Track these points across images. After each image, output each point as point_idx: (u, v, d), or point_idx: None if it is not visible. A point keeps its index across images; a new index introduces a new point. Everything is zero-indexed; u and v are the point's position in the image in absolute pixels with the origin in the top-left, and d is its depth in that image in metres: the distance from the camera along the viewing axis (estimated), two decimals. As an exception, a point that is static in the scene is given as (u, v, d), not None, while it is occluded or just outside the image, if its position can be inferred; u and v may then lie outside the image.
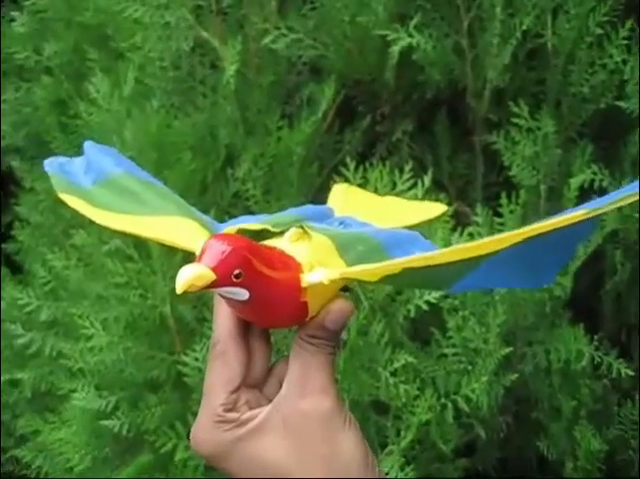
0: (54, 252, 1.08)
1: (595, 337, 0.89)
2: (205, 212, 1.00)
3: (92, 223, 1.09)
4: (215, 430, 0.45)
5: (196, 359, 0.94)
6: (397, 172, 0.91)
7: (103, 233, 1.05)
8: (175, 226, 0.49)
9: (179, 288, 0.41)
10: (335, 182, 0.87)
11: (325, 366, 0.45)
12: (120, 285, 0.99)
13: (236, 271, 0.42)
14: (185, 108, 1.00)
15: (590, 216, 0.43)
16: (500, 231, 0.90)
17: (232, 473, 0.46)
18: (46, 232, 1.20)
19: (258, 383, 0.47)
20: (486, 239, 0.42)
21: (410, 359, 0.84)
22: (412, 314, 0.86)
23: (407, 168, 0.91)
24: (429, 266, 0.42)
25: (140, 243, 1.01)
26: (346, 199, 0.56)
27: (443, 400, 0.82)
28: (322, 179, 1.00)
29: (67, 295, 1.10)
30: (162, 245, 0.98)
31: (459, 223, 0.94)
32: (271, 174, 0.98)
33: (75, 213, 1.13)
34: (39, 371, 1.20)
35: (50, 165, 0.54)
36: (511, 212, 0.92)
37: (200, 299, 1.00)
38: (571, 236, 0.46)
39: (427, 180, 0.91)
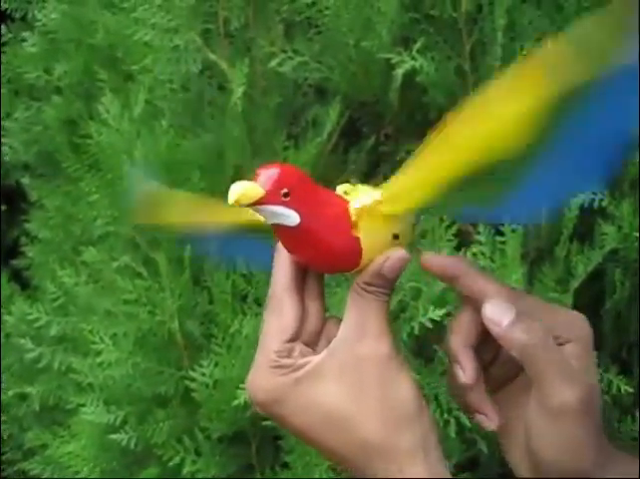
0: (64, 269, 1.11)
1: (595, 354, 0.91)
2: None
3: (101, 240, 1.11)
4: (271, 375, 0.46)
5: (204, 375, 0.96)
6: (401, 191, 0.93)
7: (113, 250, 1.07)
8: None
9: (230, 200, 0.43)
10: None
11: (381, 312, 0.46)
12: (129, 302, 1.01)
13: (285, 190, 0.43)
14: (194, 128, 1.02)
15: None
16: (502, 250, 0.92)
17: (287, 419, 0.46)
18: (56, 248, 1.22)
19: (311, 342, 0.48)
20: None
21: (413, 376, 0.85)
22: (416, 332, 0.88)
23: (410, 188, 0.93)
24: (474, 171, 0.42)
25: (149, 261, 1.03)
26: None
27: (446, 416, 0.84)
28: (327, 198, 1.02)
29: (76, 311, 1.12)
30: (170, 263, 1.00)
31: (462, 242, 0.96)
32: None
33: (85, 229, 1.15)
34: (48, 386, 1.22)
35: None
36: (513, 231, 0.94)
37: (207, 316, 1.02)
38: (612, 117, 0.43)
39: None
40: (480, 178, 0.43)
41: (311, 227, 0.44)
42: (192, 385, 0.97)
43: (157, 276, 1.00)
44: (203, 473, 0.99)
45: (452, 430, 0.83)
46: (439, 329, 0.91)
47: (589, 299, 0.98)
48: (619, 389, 0.88)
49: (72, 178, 1.14)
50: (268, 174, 0.44)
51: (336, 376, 0.45)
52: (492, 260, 0.89)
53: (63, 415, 1.18)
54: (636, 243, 0.95)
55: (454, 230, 0.94)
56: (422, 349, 0.91)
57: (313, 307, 0.48)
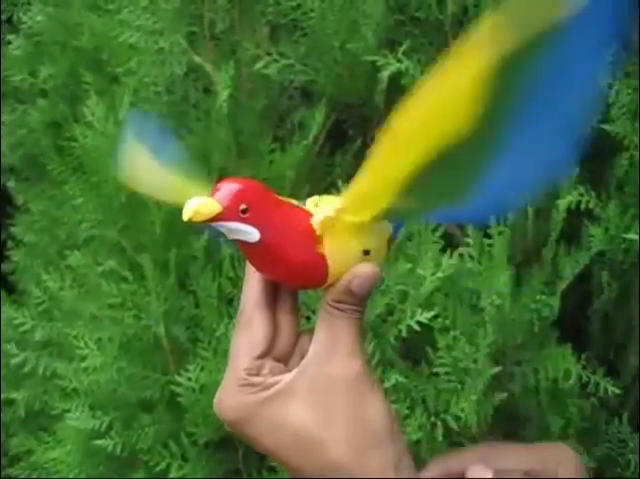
0: (49, 273, 1.10)
1: (583, 356, 0.91)
2: (198, 233, 1.02)
3: (86, 244, 1.10)
4: (239, 394, 0.45)
5: (190, 379, 0.96)
6: (387, 194, 0.93)
7: (98, 253, 1.06)
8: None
9: (185, 216, 0.42)
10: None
11: (352, 331, 0.45)
12: (114, 306, 1.00)
13: (243, 206, 0.42)
14: (179, 131, 1.02)
15: None
16: (489, 252, 0.92)
17: (255, 438, 0.46)
18: (41, 252, 1.21)
19: (283, 357, 0.47)
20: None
21: (400, 379, 0.85)
22: (403, 334, 0.88)
23: (397, 190, 0.92)
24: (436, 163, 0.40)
25: (134, 265, 1.02)
26: None
27: (433, 419, 0.84)
28: (314, 201, 1.01)
29: (61, 316, 1.11)
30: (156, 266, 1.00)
31: (448, 244, 0.95)
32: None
33: (70, 233, 1.14)
34: (33, 391, 1.21)
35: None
36: (500, 233, 0.94)
37: (193, 320, 1.01)
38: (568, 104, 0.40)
39: (417, 202, 0.92)
40: (440, 171, 0.41)
41: (272, 243, 0.43)
42: (178, 390, 0.96)
43: (142, 280, 0.99)
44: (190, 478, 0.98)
45: (439, 434, 0.83)
46: (426, 332, 0.90)
47: (577, 301, 0.98)
48: (606, 391, 0.88)
49: (57, 181, 1.13)
50: (227, 189, 0.43)
51: (305, 396, 0.44)
52: (480, 263, 0.89)
53: (48, 421, 1.17)
54: (623, 245, 0.95)
55: (440, 232, 0.93)
56: (409, 352, 0.91)
57: (285, 323, 0.47)
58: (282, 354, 0.47)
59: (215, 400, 0.47)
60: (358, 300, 0.45)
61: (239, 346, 0.46)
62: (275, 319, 0.47)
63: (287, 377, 0.45)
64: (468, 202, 0.43)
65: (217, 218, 0.42)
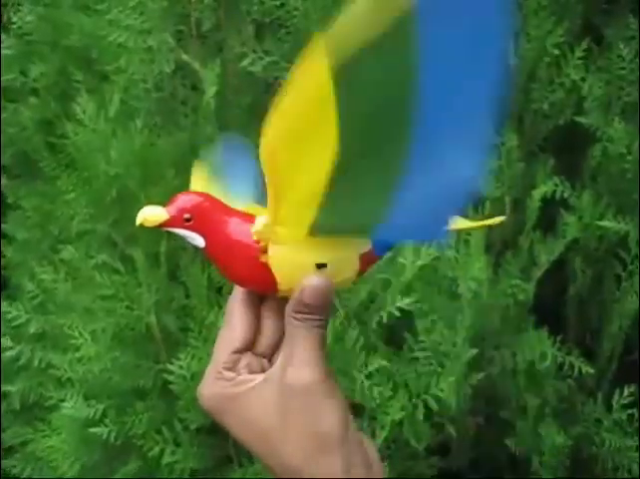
0: (42, 267, 1.12)
1: (558, 339, 0.95)
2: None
3: (79, 238, 1.12)
4: (214, 386, 0.48)
5: (181, 367, 0.98)
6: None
7: (90, 247, 1.09)
8: None
9: (137, 221, 0.47)
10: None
11: (309, 340, 0.47)
12: (106, 298, 1.03)
13: (187, 215, 0.47)
14: (168, 127, 1.05)
15: None
16: (467, 241, 0.95)
17: (230, 428, 0.49)
18: (34, 247, 1.24)
19: (267, 353, 0.50)
20: None
21: (383, 363, 0.88)
22: (385, 320, 0.91)
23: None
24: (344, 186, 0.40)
25: (125, 257, 1.05)
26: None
27: (414, 400, 0.87)
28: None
29: (55, 308, 1.14)
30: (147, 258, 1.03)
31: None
32: (251, 189, 1.03)
33: (62, 228, 1.16)
34: (28, 383, 1.23)
35: None
36: (478, 222, 0.97)
37: (184, 310, 1.04)
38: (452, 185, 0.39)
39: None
40: (345, 186, 0.41)
41: (216, 250, 0.48)
42: (170, 378, 0.99)
43: (133, 272, 1.02)
44: (182, 464, 1.01)
45: (420, 414, 0.86)
46: (408, 319, 0.94)
47: (553, 287, 1.02)
48: (581, 372, 0.92)
49: (49, 177, 1.15)
50: (177, 200, 0.48)
51: (267, 401, 0.47)
52: (457, 251, 0.92)
53: (43, 412, 1.19)
54: (597, 233, 0.99)
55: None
56: (391, 337, 0.94)
57: (269, 320, 0.49)
58: (266, 351, 0.49)
59: (198, 388, 0.50)
60: (314, 310, 0.47)
61: (220, 340, 0.49)
62: (259, 317, 0.49)
63: (257, 380, 0.48)
64: (390, 220, 0.42)
65: (164, 224, 0.47)
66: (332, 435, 0.47)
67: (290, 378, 0.47)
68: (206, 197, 0.48)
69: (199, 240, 0.48)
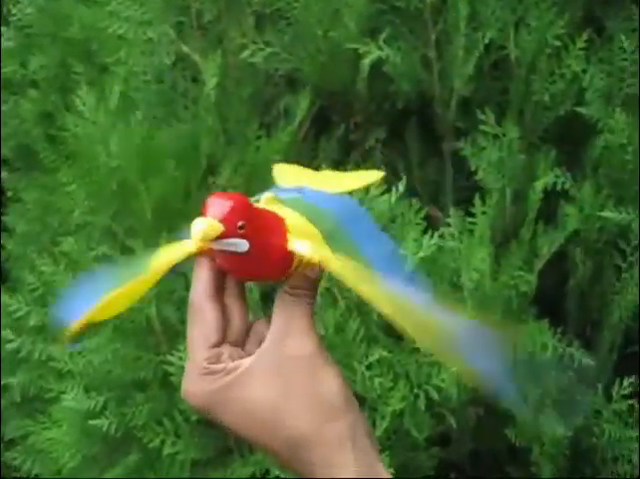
0: (43, 259, 1.12)
1: (559, 330, 0.95)
2: (188, 218, 1.05)
3: (79, 230, 1.12)
4: (203, 382, 0.48)
5: (181, 359, 0.99)
6: (370, 177, 0.96)
7: (90, 239, 1.09)
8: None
9: (197, 240, 0.45)
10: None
11: (306, 314, 0.49)
12: (107, 290, 1.03)
13: (240, 223, 0.46)
14: (168, 119, 1.05)
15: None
16: (472, 231, 0.95)
17: (223, 421, 0.49)
18: (34, 239, 1.24)
19: (239, 341, 0.50)
20: None
21: (384, 354, 0.89)
22: (386, 312, 0.91)
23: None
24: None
25: (126, 249, 1.05)
26: (290, 174, 0.59)
27: (415, 391, 0.87)
28: (299, 185, 1.05)
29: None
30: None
31: (430, 226, 0.99)
32: (251, 181, 1.03)
33: (63, 220, 1.16)
34: (28, 375, 1.23)
35: None
36: (483, 213, 0.97)
37: (184, 302, 1.04)
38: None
39: (401, 186, 0.96)
40: None
41: (258, 250, 0.47)
42: (170, 369, 0.99)
43: (134, 264, 1.02)
44: (183, 455, 1.01)
45: (421, 404, 0.87)
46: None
47: (554, 279, 1.02)
48: (581, 363, 0.92)
49: (49, 169, 1.15)
50: (223, 206, 0.46)
51: (266, 376, 0.48)
52: (460, 241, 0.92)
53: (44, 404, 1.20)
54: (596, 224, 0.99)
55: (422, 214, 0.97)
56: (392, 328, 0.94)
57: (235, 308, 0.50)
58: (237, 339, 0.50)
59: (182, 391, 0.49)
60: (311, 284, 0.49)
61: (195, 337, 0.49)
62: (224, 307, 0.50)
63: (247, 361, 0.48)
64: None
65: (219, 237, 0.45)
66: (336, 402, 0.48)
67: (291, 349, 0.48)
68: (243, 198, 0.47)
69: (244, 246, 0.46)
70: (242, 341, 0.50)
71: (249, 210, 0.47)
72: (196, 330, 0.49)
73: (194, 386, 0.49)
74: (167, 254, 0.49)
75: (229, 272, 0.50)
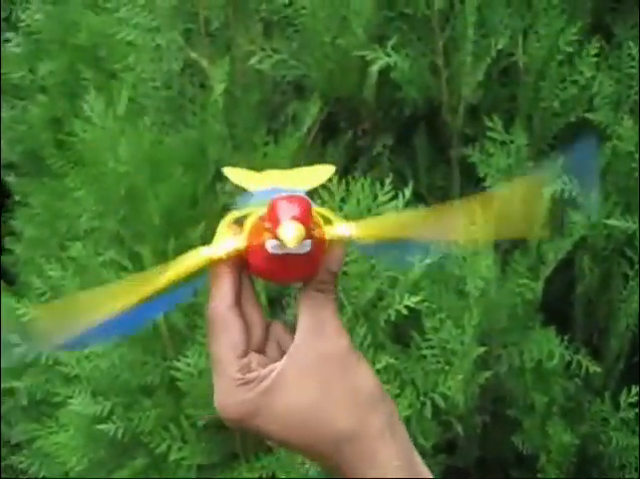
0: (50, 264, 1.13)
1: (566, 338, 0.95)
2: (195, 224, 1.05)
3: (87, 235, 1.12)
4: (239, 393, 0.48)
5: (188, 364, 0.99)
6: (378, 184, 0.96)
7: (98, 244, 1.09)
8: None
9: (296, 241, 0.45)
10: (319, 194, 0.93)
11: (335, 311, 0.49)
12: (114, 295, 1.03)
13: (312, 225, 0.46)
14: (176, 125, 1.05)
15: None
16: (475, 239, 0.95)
17: (263, 428, 0.48)
18: (42, 244, 1.24)
19: (260, 347, 0.50)
20: None
21: (391, 361, 0.89)
22: (392, 318, 0.91)
23: (387, 180, 0.96)
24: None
25: (133, 254, 1.05)
26: (241, 176, 0.59)
27: (422, 398, 0.87)
28: (307, 191, 1.05)
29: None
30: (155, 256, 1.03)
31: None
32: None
33: (71, 225, 1.16)
34: (35, 380, 1.23)
35: None
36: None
37: (191, 307, 1.05)
38: None
39: (407, 192, 0.96)
40: None
41: (314, 250, 0.47)
42: (178, 375, 0.99)
43: (141, 269, 1.02)
44: (189, 460, 1.02)
45: (428, 412, 0.87)
46: (416, 317, 0.94)
47: (560, 286, 1.02)
48: (588, 371, 0.92)
49: (57, 174, 1.16)
50: (299, 208, 0.46)
51: (302, 376, 0.48)
52: (465, 249, 0.92)
53: (50, 409, 1.20)
54: (604, 232, 0.99)
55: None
56: (399, 335, 0.95)
57: (253, 314, 0.50)
58: (259, 345, 0.50)
59: (217, 405, 0.49)
60: (334, 277, 0.49)
61: (223, 350, 0.49)
62: (244, 314, 0.50)
63: (279, 365, 0.48)
64: None
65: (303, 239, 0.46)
66: (374, 394, 0.49)
67: (326, 347, 0.48)
68: (306, 198, 0.47)
69: (308, 246, 0.46)
70: (264, 347, 0.50)
71: (312, 209, 0.47)
72: (223, 342, 0.49)
73: (231, 399, 0.48)
74: (184, 262, 0.49)
75: (268, 277, 0.50)
